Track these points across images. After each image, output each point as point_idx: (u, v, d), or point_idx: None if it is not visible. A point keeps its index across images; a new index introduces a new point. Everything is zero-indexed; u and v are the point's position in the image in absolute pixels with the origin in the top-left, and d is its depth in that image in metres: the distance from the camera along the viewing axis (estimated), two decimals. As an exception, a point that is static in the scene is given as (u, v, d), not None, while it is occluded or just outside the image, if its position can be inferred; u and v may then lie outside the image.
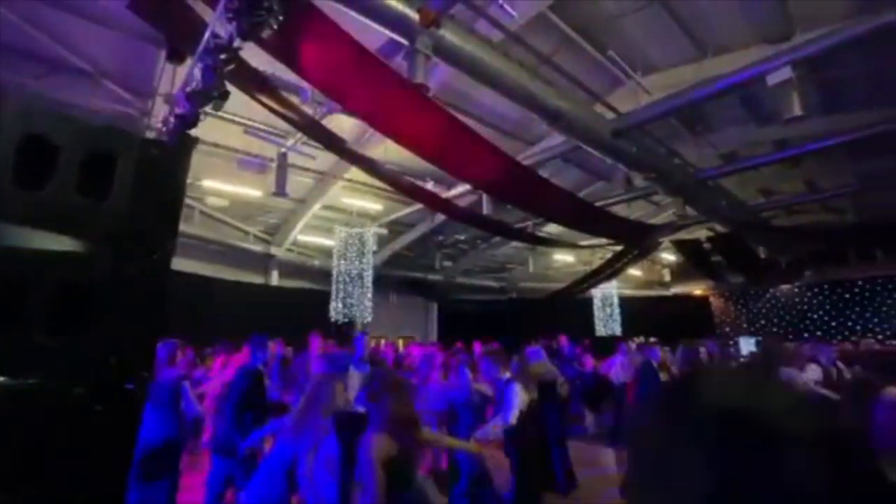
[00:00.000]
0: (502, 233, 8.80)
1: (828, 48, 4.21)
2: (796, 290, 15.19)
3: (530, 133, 8.16)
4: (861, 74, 5.98)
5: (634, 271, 14.80)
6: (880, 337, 13.33)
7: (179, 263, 9.17)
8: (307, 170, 8.08)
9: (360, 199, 8.99)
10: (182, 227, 8.74)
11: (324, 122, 5.68)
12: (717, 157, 8.66)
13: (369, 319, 8.90)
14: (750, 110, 7.07)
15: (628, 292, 16.08)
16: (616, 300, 14.95)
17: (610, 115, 6.13)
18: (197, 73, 3.08)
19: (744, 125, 7.55)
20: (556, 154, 7.11)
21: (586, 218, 6.68)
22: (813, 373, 4.70)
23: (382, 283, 11.32)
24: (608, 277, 12.70)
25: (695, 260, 11.25)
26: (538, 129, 7.83)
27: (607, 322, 14.73)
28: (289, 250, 10.98)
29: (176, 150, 1.30)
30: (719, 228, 9.85)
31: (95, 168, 1.12)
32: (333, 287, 8.95)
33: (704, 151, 8.11)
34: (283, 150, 6.45)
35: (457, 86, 6.60)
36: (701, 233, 10.53)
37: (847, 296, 14.45)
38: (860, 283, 14.06)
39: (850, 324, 14.23)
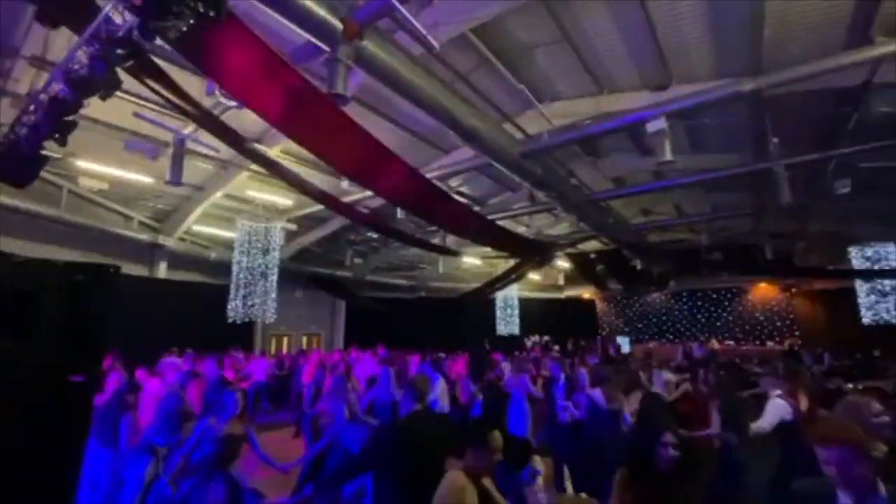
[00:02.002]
0: (408, 241, 8.96)
1: (694, 105, 5.02)
2: (663, 297, 17.64)
3: (446, 141, 8.40)
4: (718, 125, 7.17)
5: (533, 275, 15.93)
6: (720, 337, 16.05)
7: (40, 250, 7.90)
8: (207, 157, 7.45)
9: (267, 192, 8.49)
10: (46, 210, 7.58)
11: (228, 114, 5.34)
12: (608, 180, 9.76)
13: (273, 320, 8.47)
14: (635, 142, 8.07)
15: (527, 294, 17.30)
16: (516, 301, 16.01)
17: (519, 134, 6.59)
18: (82, 57, 2.75)
19: (629, 153, 8.59)
20: (469, 167, 7.42)
21: (489, 234, 7.08)
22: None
23: (288, 278, 10.82)
24: (513, 281, 13.57)
25: (583, 269, 12.51)
26: (454, 138, 8.12)
27: (507, 322, 15.72)
28: (181, 240, 9.99)
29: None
30: (606, 241, 11.10)
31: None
32: (233, 283, 8.33)
33: (597, 175, 9.07)
34: (179, 137, 5.88)
35: (376, 88, 6.58)
36: (592, 244, 11.75)
37: (700, 303, 17.16)
38: (710, 292, 16.77)
39: (700, 326, 16.93)
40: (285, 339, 13.76)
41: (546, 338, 16.36)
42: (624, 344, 16.44)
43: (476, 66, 6.17)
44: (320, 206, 9.40)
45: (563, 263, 13.52)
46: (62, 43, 4.71)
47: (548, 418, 5.27)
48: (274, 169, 5.69)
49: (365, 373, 7.17)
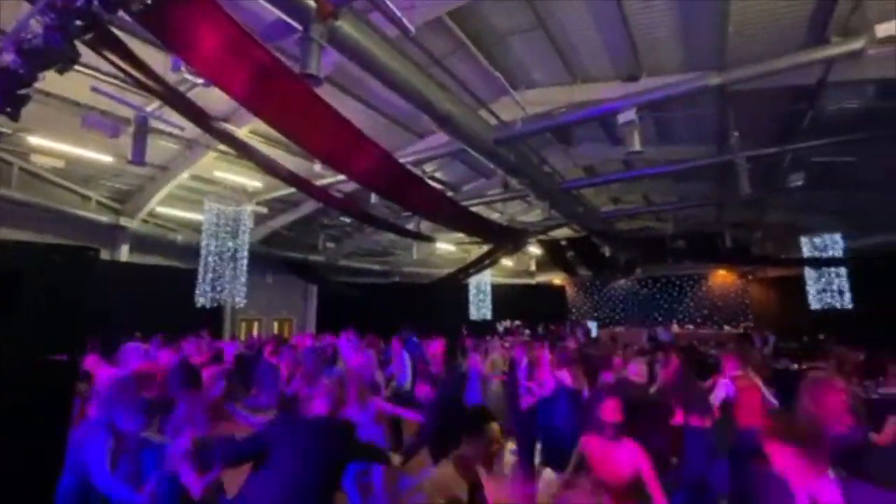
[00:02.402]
0: (382, 226, 8.92)
1: (663, 97, 5.18)
2: (629, 283, 18.26)
3: (420, 125, 8.35)
4: (685, 118, 7.41)
5: (506, 261, 16.17)
6: (681, 321, 16.81)
7: (-11, 231, 7.47)
8: (172, 136, 7.15)
9: (236, 173, 8.24)
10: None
11: (194, 91, 5.14)
12: (580, 169, 9.95)
13: (242, 305, 8.30)
14: (606, 132, 8.25)
15: (499, 280, 17.55)
16: (489, 287, 16.23)
17: (493, 121, 6.63)
18: (36, 26, 2.60)
19: (601, 143, 8.77)
20: (444, 152, 7.43)
21: (463, 220, 7.14)
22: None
23: (258, 262, 10.60)
24: (486, 267, 13.74)
25: (554, 256, 12.80)
26: (428, 123, 8.07)
27: (480, 307, 15.96)
28: (144, 222, 9.61)
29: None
30: (577, 229, 11.37)
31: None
32: (201, 267, 8.10)
33: (569, 163, 9.23)
34: (141, 114, 5.62)
35: (350, 69, 6.45)
36: (563, 231, 12.01)
37: (663, 289, 17.88)
38: (673, 278, 17.47)
39: (663, 311, 17.65)
40: (256, 324, 13.54)
41: (517, 322, 16.71)
42: (592, 328, 16.97)
43: (452, 51, 6.13)
44: (292, 189, 9.22)
45: (534, 250, 13.79)
46: (13, 8, 4.40)
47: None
48: (243, 150, 5.53)
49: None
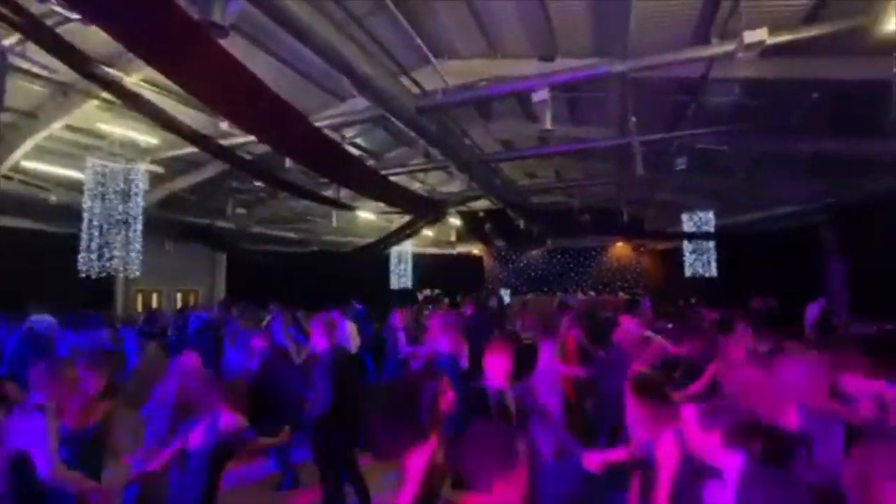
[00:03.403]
0: (298, 193, 8.53)
1: (573, 79, 5.53)
2: (541, 253, 19.57)
3: (341, 88, 7.99)
4: (594, 100, 7.96)
5: (427, 231, 16.38)
6: (584, 289, 18.50)
7: None
8: (40, 77, 6.11)
9: (125, 127, 7.28)
10: None
11: (68, 27, 4.44)
12: (498, 142, 10.28)
13: (138, 273, 7.52)
14: (523, 108, 8.59)
15: (420, 249, 17.78)
16: (410, 256, 16.40)
17: (415, 89, 6.57)
18: None
19: (518, 118, 9.13)
20: (365, 118, 7.23)
21: (384, 190, 7.09)
22: None
23: (156, 227, 9.60)
24: (407, 237, 13.82)
25: (472, 227, 13.27)
26: (349, 86, 7.76)
27: (401, 277, 16.11)
28: (6, 178, 8.18)
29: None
30: (494, 201, 11.83)
31: None
32: (84, 233, 7.13)
33: (488, 137, 9.50)
34: (-2, 47, 4.72)
35: (263, 20, 5.94)
36: (482, 203, 12.42)
37: (570, 259, 19.44)
38: (578, 250, 19.06)
39: (571, 280, 19.25)
40: (154, 296, 12.38)
41: (437, 291, 17.18)
42: (506, 296, 18.01)
43: (371, 11, 5.89)
44: (194, 148, 8.41)
45: (455, 221, 14.12)
46: None
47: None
48: (132, 101, 4.90)
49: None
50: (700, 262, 12.51)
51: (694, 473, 1.76)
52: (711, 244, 12.49)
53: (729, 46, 4.47)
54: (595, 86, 7.10)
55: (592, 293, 18.14)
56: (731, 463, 1.65)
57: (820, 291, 10.09)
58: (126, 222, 7.25)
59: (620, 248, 18.83)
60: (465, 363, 4.42)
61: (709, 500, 1.69)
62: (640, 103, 6.80)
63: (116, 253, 7.07)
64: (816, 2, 4.68)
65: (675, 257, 14.35)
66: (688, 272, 12.95)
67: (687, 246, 12.94)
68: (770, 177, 9.91)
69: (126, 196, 7.26)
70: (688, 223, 12.32)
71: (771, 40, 4.25)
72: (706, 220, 12.01)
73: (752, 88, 6.72)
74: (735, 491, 1.59)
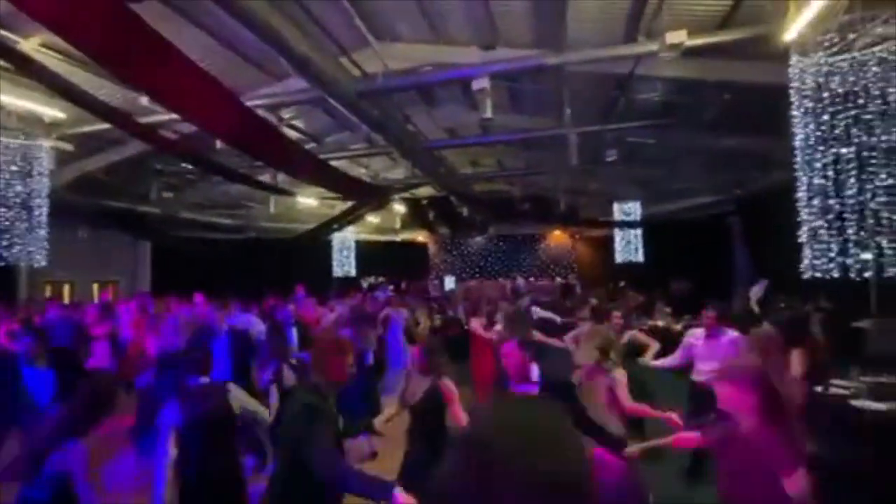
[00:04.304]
0: (230, 177, 8.08)
1: (511, 70, 5.67)
2: (484, 241, 20.01)
3: (278, 66, 7.61)
4: (532, 90, 8.20)
5: (371, 218, 16.17)
6: (524, 275, 19.21)
7: None
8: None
9: (25, 98, 6.46)
10: None
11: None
12: (442, 129, 10.32)
13: (44, 263, 6.77)
14: (465, 96, 8.67)
15: (364, 236, 17.52)
16: (353, 243, 16.11)
17: (356, 72, 6.40)
18: None
19: (460, 106, 9.20)
20: (303, 99, 6.96)
21: (324, 175, 6.90)
22: None
23: (65, 212, 8.65)
24: (350, 223, 13.54)
25: (416, 214, 13.28)
26: (286, 65, 7.39)
27: (343, 264, 15.81)
28: None
29: None
30: (438, 189, 11.90)
31: None
32: (-23, 217, 6.27)
33: (431, 124, 9.50)
34: None
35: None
36: (426, 190, 12.44)
37: (510, 246, 20.08)
38: (518, 237, 19.70)
39: (513, 266, 19.89)
40: (66, 287, 11.24)
41: (381, 278, 17.07)
42: (450, 283, 18.27)
43: (311, -12, 5.64)
44: (108, 125, 7.66)
45: (399, 207, 14.03)
46: None
47: None
48: (29, 68, 4.37)
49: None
50: (629, 248, 13.43)
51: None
52: (639, 232, 13.43)
53: (653, 46, 4.78)
54: (534, 77, 7.32)
55: (531, 279, 18.90)
56: None
57: (730, 276, 11.24)
58: (26, 206, 6.47)
59: (557, 236, 19.70)
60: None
61: None
62: (576, 96, 7.11)
63: (17, 241, 6.31)
64: (730, 8, 5.12)
65: (606, 244, 15.28)
66: (618, 258, 13.86)
67: (617, 233, 13.83)
68: (690, 169, 10.81)
69: (27, 176, 6.48)
70: (618, 212, 13.14)
71: (690, 42, 4.61)
72: (634, 208, 12.88)
73: (674, 86, 7.25)
74: None
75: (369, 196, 9.80)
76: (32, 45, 5.46)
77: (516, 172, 12.52)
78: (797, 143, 4.15)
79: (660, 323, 8.60)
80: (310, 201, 12.28)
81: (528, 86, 8.13)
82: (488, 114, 5.49)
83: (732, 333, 4.13)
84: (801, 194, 4.14)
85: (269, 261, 13.21)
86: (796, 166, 4.19)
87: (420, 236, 20.07)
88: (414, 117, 8.88)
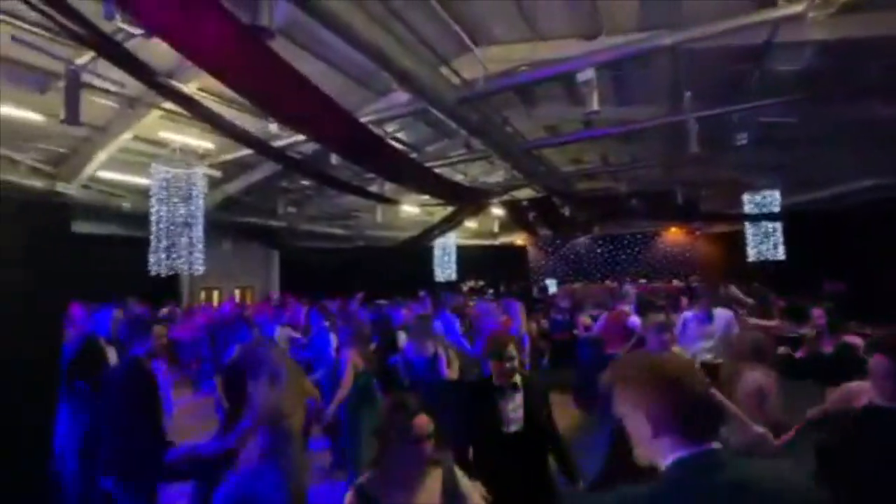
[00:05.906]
0: (344, 189, 8.75)
1: (620, 56, 5.27)
2: (587, 241, 18.99)
3: (380, 83, 8.09)
4: (640, 78, 7.56)
5: (469, 222, 16.34)
6: (633, 275, 17.81)
7: None
8: (109, 92, 6.60)
9: (184, 133, 7.76)
10: None
11: (132, 43, 4.75)
12: (541, 128, 10.03)
13: (201, 271, 8.05)
14: (566, 91, 8.31)
15: (463, 241, 17.77)
16: (454, 248, 16.42)
17: (455, 79, 6.51)
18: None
19: (561, 102, 8.84)
20: (405, 112, 7.28)
21: (427, 182, 7.13)
22: None
23: (214, 228, 10.20)
24: (450, 228, 13.84)
25: (516, 216, 13.06)
26: (388, 80, 7.81)
27: (445, 269, 16.17)
28: (84, 188, 8.96)
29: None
30: (538, 189, 11.59)
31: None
32: (154, 235, 7.72)
33: (530, 123, 9.28)
34: (72, 67, 5.14)
35: (306, 24, 6.10)
36: (525, 191, 12.20)
37: (618, 246, 18.74)
38: (627, 236, 18.32)
39: (619, 268, 18.58)
40: (216, 293, 13.20)
41: (481, 282, 17.13)
42: (552, 286, 17.66)
43: (408, 3, 5.88)
44: (246, 151, 8.81)
45: (497, 211, 13.96)
46: None
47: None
48: (191, 108, 5.20)
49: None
50: (766, 244, 11.64)
51: None
52: (778, 225, 11.58)
53: (798, 7, 4.08)
54: (641, 62, 6.72)
55: (643, 280, 17.43)
56: None
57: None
58: (188, 224, 7.75)
59: (673, 234, 17.91)
60: None
61: None
62: (695, 76, 6.39)
63: (182, 252, 7.59)
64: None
65: (735, 240, 13.46)
66: (751, 256, 12.11)
67: (749, 227, 12.09)
68: (842, 149, 9.05)
69: (188, 199, 7.76)
70: (749, 203, 11.49)
71: (846, -5, 3.85)
72: (771, 199, 11.14)
73: (823, 52, 6.12)
74: None
75: (470, 200, 9.90)
76: (192, 88, 6.51)
77: (623, 167, 11.66)
78: None
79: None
80: (413, 209, 12.83)
81: (635, 72, 7.51)
82: (595, 106, 5.17)
83: None
84: None
85: (376, 267, 14.05)
86: None
87: (519, 239, 19.76)
88: (512, 118, 8.76)
